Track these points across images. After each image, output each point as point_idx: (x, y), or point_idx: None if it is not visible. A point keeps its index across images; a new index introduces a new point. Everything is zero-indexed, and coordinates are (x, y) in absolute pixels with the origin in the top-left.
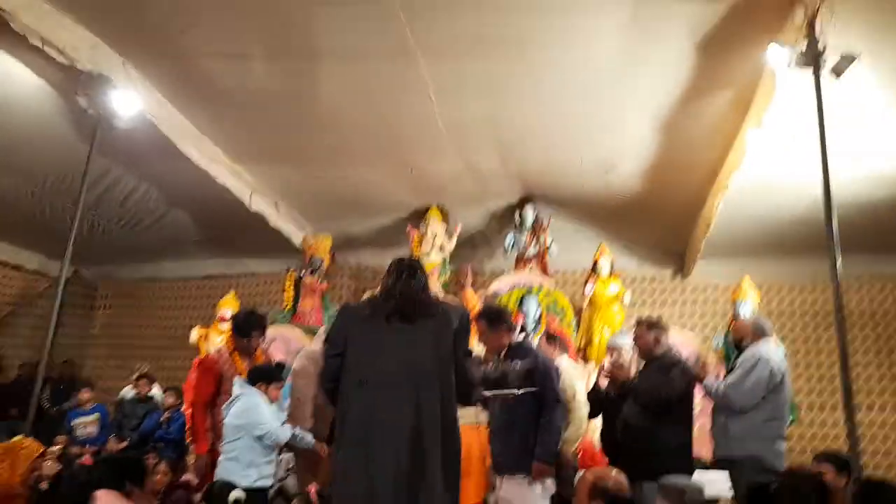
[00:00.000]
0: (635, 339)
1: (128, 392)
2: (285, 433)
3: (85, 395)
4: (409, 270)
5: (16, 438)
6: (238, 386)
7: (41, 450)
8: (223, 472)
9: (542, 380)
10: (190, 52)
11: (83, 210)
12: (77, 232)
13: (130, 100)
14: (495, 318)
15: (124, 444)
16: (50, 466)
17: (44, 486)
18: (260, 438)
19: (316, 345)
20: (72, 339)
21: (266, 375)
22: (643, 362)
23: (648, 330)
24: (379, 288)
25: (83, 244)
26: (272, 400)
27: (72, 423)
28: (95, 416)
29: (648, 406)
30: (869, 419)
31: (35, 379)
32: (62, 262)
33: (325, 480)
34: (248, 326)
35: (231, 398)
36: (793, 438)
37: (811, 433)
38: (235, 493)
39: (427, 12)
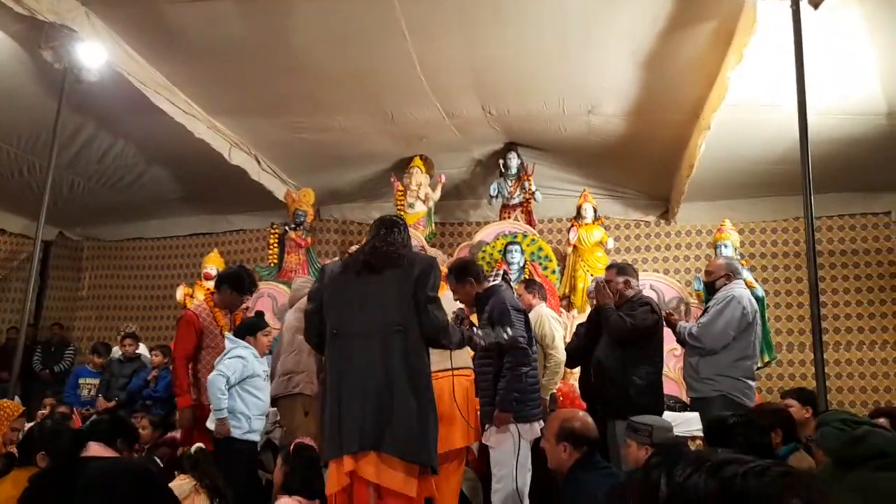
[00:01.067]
0: (606, 283)
1: (115, 352)
2: (213, 380)
3: (97, 359)
4: (387, 226)
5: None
6: (229, 341)
7: (21, 410)
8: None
9: (499, 323)
10: None
11: (62, 170)
12: (56, 192)
13: (96, 51)
14: (459, 271)
15: (112, 403)
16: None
17: (12, 448)
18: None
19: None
20: (61, 302)
21: (251, 327)
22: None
23: (618, 274)
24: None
25: (65, 205)
26: (264, 346)
27: (79, 381)
28: (99, 379)
29: (616, 339)
30: (847, 357)
31: (19, 342)
32: (37, 224)
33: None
34: (249, 285)
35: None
36: (773, 377)
37: (790, 372)
38: (196, 445)
39: None
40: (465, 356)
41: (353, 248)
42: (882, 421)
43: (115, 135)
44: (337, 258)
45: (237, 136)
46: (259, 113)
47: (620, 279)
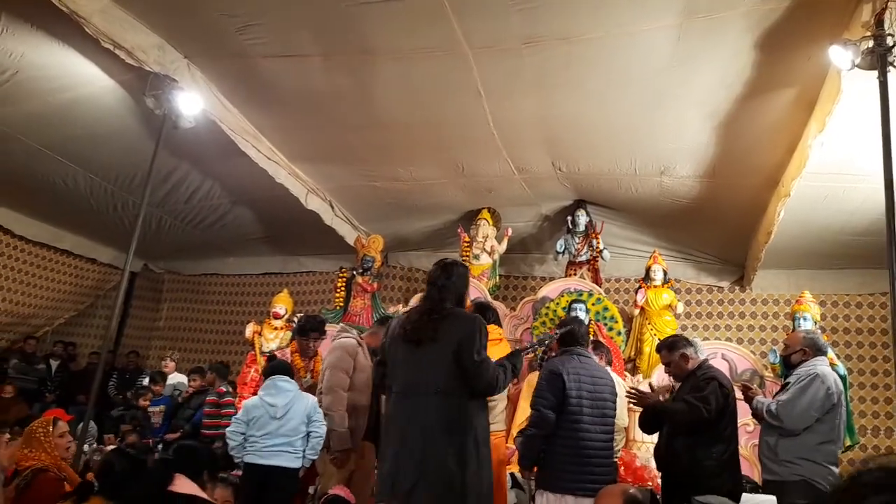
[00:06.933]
0: (666, 366)
1: (181, 382)
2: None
3: (159, 387)
4: (432, 287)
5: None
6: (290, 384)
7: (50, 419)
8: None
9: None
10: (248, 52)
11: (152, 207)
12: (145, 228)
13: (194, 100)
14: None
15: (178, 434)
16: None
17: (90, 476)
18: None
19: (348, 338)
20: (139, 331)
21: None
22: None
23: (671, 351)
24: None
25: (152, 240)
26: None
27: (147, 411)
28: (161, 407)
29: (694, 429)
30: None
31: (98, 368)
32: (126, 257)
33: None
34: (306, 328)
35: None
36: (855, 464)
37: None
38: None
39: (475, 10)
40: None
41: (417, 296)
42: None
43: (203, 177)
44: (400, 305)
45: (314, 183)
46: (336, 161)
47: (676, 355)
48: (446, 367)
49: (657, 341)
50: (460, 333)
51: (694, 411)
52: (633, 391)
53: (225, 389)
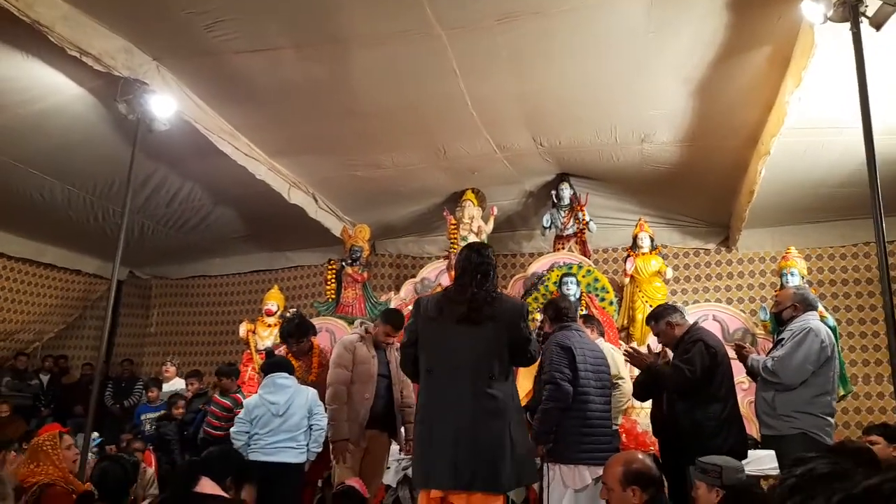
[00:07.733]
0: (657, 337)
1: (181, 388)
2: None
3: (153, 393)
4: (481, 269)
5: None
6: (292, 380)
7: (58, 430)
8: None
9: (542, 361)
10: (218, 49)
11: (133, 213)
12: (129, 235)
13: (167, 102)
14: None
15: None
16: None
17: (87, 486)
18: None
19: (352, 334)
20: (131, 339)
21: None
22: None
23: (657, 321)
24: (452, 280)
25: (136, 246)
26: None
27: (141, 418)
28: (162, 412)
29: (684, 392)
30: None
31: (95, 379)
32: (113, 266)
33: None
34: (284, 335)
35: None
36: (849, 411)
37: (867, 406)
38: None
39: None
40: None
41: (408, 283)
42: (876, 438)
43: (182, 179)
44: (392, 293)
45: (295, 176)
46: (316, 153)
47: (662, 324)
48: (499, 347)
49: (649, 308)
50: (513, 313)
51: (678, 374)
52: (630, 350)
53: (242, 398)
